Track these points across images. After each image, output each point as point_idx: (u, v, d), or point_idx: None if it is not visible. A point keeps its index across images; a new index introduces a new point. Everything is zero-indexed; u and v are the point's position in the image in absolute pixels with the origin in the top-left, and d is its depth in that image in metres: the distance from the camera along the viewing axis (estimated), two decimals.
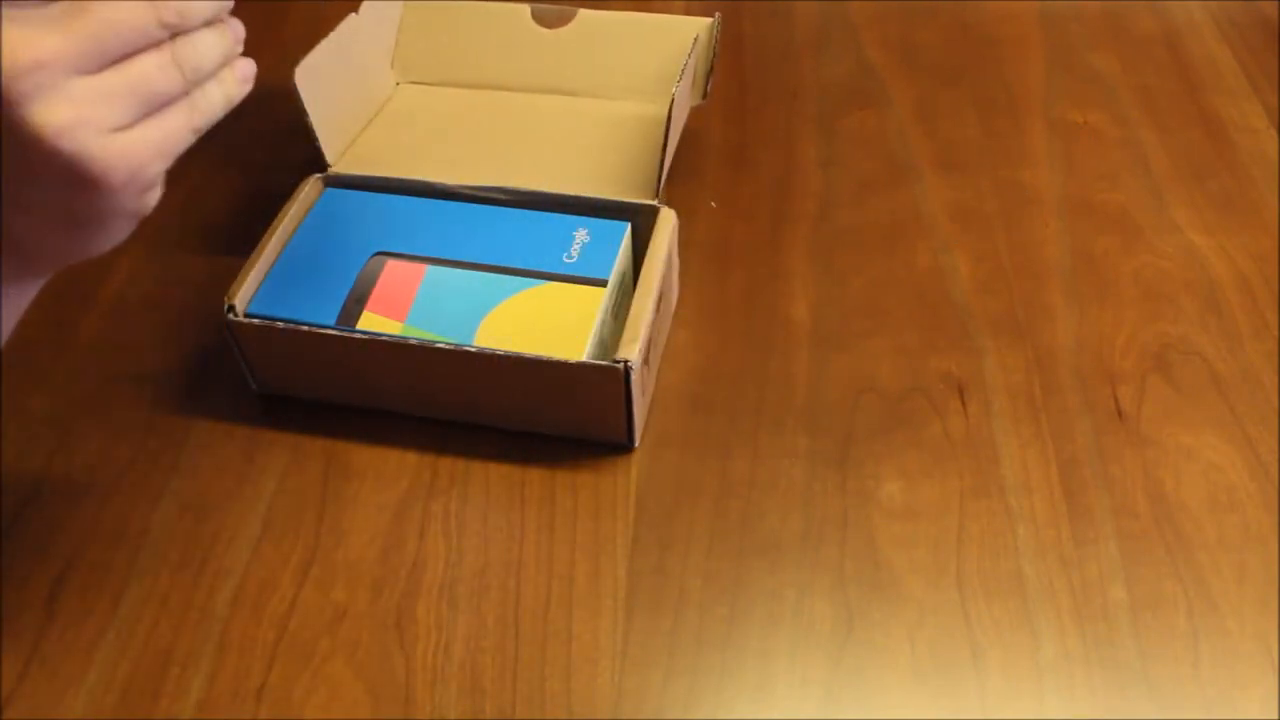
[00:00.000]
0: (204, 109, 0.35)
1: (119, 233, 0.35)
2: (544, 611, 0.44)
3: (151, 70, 0.33)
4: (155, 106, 0.33)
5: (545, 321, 0.47)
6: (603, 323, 0.48)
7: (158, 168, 0.34)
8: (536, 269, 0.49)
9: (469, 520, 0.47)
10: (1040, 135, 0.67)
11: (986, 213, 0.61)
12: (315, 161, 0.55)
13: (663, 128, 0.52)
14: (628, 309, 0.47)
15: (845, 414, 0.51)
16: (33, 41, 0.30)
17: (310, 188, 0.53)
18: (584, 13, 0.61)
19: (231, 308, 0.48)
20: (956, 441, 0.50)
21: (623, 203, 0.52)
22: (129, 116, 0.32)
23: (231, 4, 0.35)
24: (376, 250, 0.50)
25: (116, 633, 0.44)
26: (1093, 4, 0.78)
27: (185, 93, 0.34)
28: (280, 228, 0.51)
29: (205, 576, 0.45)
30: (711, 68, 0.59)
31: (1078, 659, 0.42)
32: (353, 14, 0.57)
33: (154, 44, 0.33)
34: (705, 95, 0.59)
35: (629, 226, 0.51)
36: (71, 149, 0.31)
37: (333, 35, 0.54)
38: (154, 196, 0.35)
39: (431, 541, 0.46)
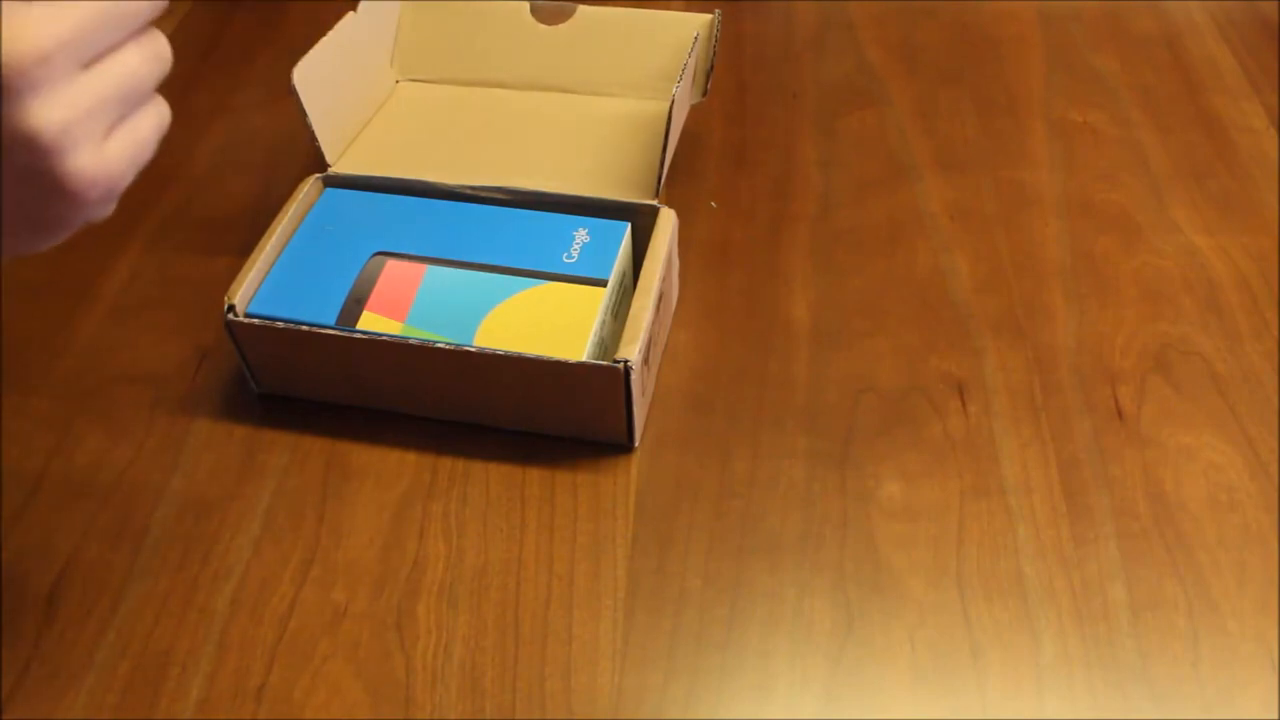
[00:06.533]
0: (165, 109, 0.32)
1: (66, 235, 0.32)
2: (544, 611, 0.44)
3: (136, 64, 0.30)
4: (132, 107, 0.30)
5: (545, 321, 0.47)
6: (603, 323, 0.48)
7: (130, 179, 0.31)
8: (536, 269, 0.49)
9: (469, 520, 0.47)
10: (1040, 135, 0.67)
11: (986, 213, 0.61)
12: (315, 161, 0.55)
13: (663, 126, 0.52)
14: (628, 309, 0.47)
15: (845, 414, 0.51)
16: (35, 28, 0.26)
17: (310, 188, 0.53)
18: (583, 10, 0.61)
19: (231, 308, 0.48)
20: (956, 441, 0.50)
21: (623, 203, 0.52)
22: (113, 120, 0.29)
23: None
24: (376, 250, 0.50)
25: (116, 633, 0.44)
26: (1093, 4, 0.78)
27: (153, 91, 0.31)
28: (280, 228, 0.51)
29: (205, 576, 0.45)
30: (711, 65, 0.59)
31: (1078, 659, 0.42)
32: (351, 13, 0.57)
33: (137, 33, 0.30)
34: (705, 93, 0.59)
35: (629, 226, 0.51)
36: (63, 157, 0.28)
37: (331, 34, 0.54)
38: (114, 206, 0.32)
39: (431, 541, 0.46)
